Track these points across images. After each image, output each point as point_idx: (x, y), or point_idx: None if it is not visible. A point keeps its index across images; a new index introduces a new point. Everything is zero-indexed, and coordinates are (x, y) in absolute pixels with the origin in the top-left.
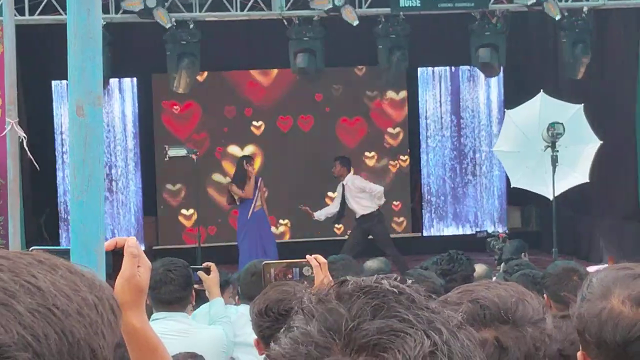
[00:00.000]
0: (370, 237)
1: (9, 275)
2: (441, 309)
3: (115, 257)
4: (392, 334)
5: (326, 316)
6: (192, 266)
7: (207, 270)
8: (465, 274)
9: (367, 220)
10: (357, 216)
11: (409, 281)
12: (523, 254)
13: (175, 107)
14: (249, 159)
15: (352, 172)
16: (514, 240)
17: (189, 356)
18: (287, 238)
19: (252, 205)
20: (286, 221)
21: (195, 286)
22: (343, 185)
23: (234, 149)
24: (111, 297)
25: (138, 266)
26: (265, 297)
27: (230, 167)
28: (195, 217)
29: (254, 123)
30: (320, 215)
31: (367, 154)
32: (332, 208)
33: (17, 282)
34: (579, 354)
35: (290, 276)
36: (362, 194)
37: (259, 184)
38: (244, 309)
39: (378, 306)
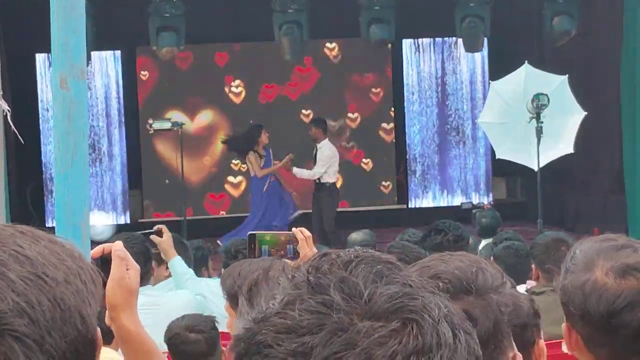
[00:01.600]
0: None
1: None
2: (423, 276)
3: (103, 263)
4: (409, 297)
5: (341, 285)
6: (143, 231)
7: (160, 233)
8: (456, 233)
9: (319, 189)
10: (318, 181)
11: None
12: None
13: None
14: (261, 127)
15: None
16: (489, 215)
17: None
18: None
19: (267, 179)
20: None
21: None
22: (317, 149)
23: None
24: (90, 267)
25: (127, 269)
26: (254, 267)
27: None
28: (151, 208)
29: (234, 90)
30: (298, 172)
31: (385, 125)
32: (310, 175)
33: (5, 251)
34: (563, 325)
35: (283, 253)
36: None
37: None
38: None
39: (379, 273)
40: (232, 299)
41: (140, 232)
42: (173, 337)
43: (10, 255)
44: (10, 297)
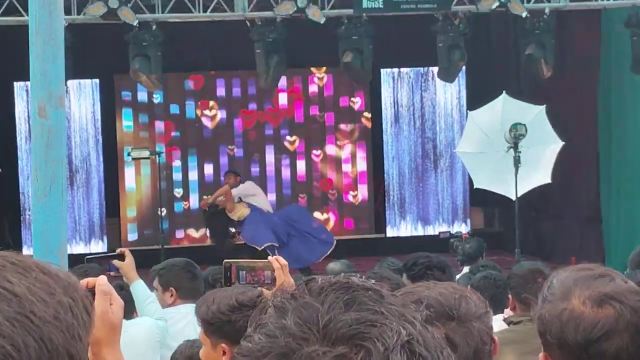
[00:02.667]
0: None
1: None
2: (408, 304)
3: None
4: (368, 324)
5: (301, 310)
6: (105, 254)
7: (122, 257)
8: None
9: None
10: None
11: (372, 281)
12: (481, 257)
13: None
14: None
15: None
16: (473, 241)
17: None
18: None
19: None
20: None
21: (112, 274)
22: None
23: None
24: (84, 296)
25: (110, 304)
26: (228, 294)
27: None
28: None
29: (207, 113)
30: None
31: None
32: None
33: None
34: (540, 355)
35: (259, 279)
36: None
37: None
38: None
39: (350, 300)
40: (207, 325)
41: (102, 254)
42: None
43: None
44: None
